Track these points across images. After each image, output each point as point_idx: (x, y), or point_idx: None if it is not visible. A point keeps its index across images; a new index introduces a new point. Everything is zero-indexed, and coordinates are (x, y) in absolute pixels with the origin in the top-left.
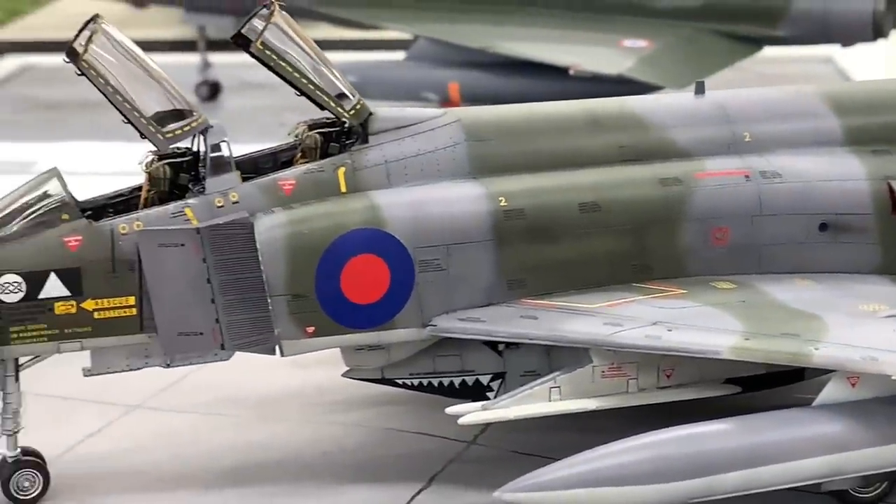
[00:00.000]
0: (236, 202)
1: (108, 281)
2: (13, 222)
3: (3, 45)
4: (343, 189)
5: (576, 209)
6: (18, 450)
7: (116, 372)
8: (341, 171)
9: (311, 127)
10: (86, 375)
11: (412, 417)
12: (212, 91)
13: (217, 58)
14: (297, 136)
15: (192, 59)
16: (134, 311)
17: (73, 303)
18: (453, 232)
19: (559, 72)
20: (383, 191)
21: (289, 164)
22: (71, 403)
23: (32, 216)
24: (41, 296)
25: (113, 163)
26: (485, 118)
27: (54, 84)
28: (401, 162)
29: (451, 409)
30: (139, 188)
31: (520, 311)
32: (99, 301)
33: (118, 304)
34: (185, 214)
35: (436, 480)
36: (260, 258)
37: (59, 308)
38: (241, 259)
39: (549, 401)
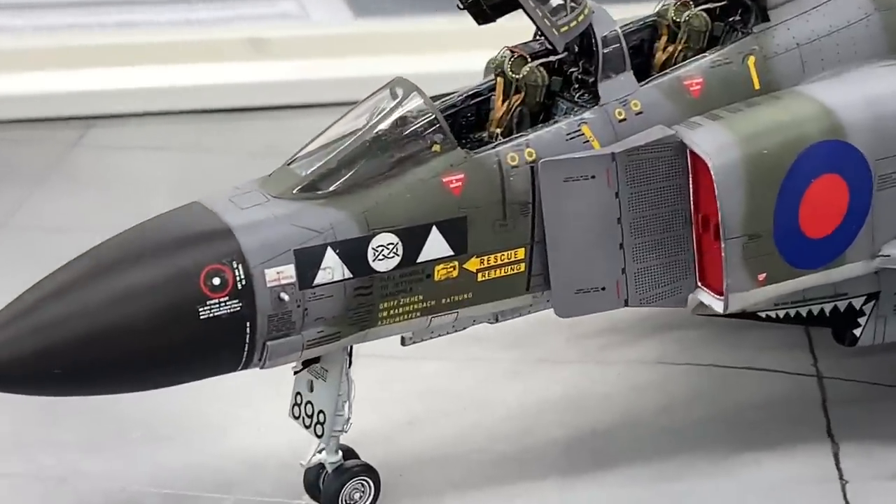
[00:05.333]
0: (639, 112)
1: (498, 231)
2: (367, 157)
3: None
4: (756, 85)
5: None
6: (340, 454)
7: (440, 336)
8: (751, 60)
9: (685, 4)
10: (404, 345)
11: (702, 350)
12: None
13: None
14: (659, 14)
15: None
16: (523, 266)
17: (455, 264)
18: None
19: None
20: (822, 86)
21: (638, 48)
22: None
23: (395, 147)
24: (420, 259)
25: None
26: None
27: None
28: (814, 44)
29: None
30: (473, 95)
31: None
32: (484, 259)
33: (506, 261)
34: (582, 133)
35: (835, 434)
36: (716, 191)
37: (440, 272)
38: (662, 189)
39: None
